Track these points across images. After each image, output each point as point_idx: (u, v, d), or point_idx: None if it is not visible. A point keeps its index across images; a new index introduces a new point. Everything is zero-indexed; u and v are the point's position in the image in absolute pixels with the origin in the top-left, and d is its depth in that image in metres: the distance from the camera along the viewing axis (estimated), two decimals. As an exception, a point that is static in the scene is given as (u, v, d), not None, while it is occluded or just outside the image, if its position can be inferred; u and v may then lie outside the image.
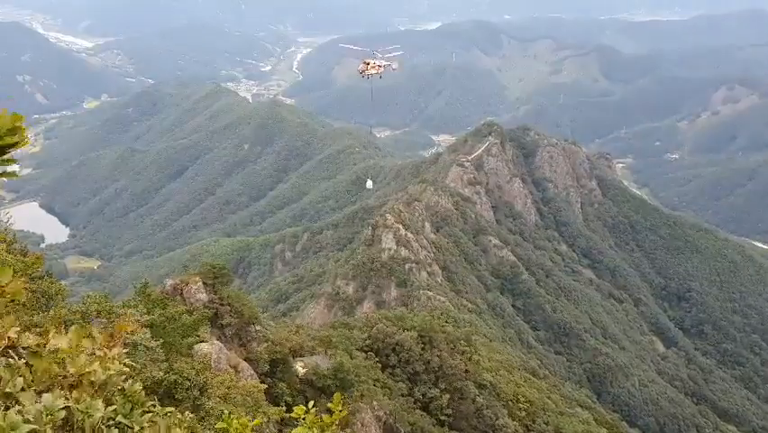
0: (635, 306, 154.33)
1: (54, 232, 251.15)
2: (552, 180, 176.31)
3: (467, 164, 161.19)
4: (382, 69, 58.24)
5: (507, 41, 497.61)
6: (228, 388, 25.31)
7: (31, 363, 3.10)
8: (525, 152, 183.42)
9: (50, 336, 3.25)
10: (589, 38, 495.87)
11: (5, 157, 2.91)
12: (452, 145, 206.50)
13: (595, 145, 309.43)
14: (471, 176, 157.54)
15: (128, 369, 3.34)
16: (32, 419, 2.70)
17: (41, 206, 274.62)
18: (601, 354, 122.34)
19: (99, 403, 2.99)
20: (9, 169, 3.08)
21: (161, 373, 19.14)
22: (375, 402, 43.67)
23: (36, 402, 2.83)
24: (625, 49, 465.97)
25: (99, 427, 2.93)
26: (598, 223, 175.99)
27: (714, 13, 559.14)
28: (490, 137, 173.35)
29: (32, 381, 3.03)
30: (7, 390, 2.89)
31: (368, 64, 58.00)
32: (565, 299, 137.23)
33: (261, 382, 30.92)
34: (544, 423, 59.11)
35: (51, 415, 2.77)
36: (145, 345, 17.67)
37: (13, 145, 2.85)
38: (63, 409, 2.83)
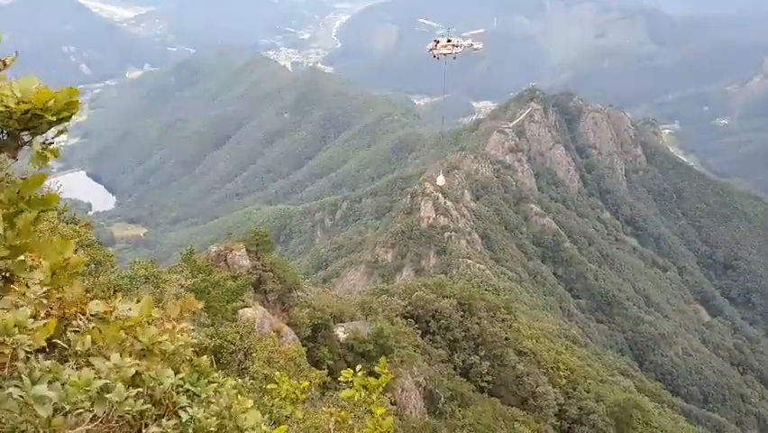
0: (679, 274, 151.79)
1: (101, 200, 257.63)
2: (595, 147, 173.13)
3: (508, 131, 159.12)
4: (459, 48, 55.16)
5: (551, 3, 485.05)
6: (271, 352, 25.81)
7: (99, 329, 3.28)
8: (568, 119, 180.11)
9: (116, 302, 3.42)
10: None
11: (60, 127, 2.99)
12: (492, 112, 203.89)
13: (640, 111, 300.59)
14: (513, 143, 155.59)
15: (195, 341, 3.68)
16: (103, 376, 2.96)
17: (88, 174, 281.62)
18: (644, 322, 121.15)
19: (169, 371, 3.27)
20: (56, 140, 3.17)
21: (207, 339, 19.64)
22: (415, 368, 44.11)
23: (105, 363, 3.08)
24: (671, 11, 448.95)
25: (170, 392, 3.21)
26: (642, 190, 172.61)
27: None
28: (532, 103, 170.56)
29: (101, 347, 3.24)
30: (77, 348, 3.12)
31: (437, 42, 55.27)
32: (608, 268, 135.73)
33: (303, 346, 31.48)
34: (585, 390, 58.96)
35: (121, 372, 3.01)
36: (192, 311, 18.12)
37: (69, 117, 2.94)
38: (133, 369, 3.08)
